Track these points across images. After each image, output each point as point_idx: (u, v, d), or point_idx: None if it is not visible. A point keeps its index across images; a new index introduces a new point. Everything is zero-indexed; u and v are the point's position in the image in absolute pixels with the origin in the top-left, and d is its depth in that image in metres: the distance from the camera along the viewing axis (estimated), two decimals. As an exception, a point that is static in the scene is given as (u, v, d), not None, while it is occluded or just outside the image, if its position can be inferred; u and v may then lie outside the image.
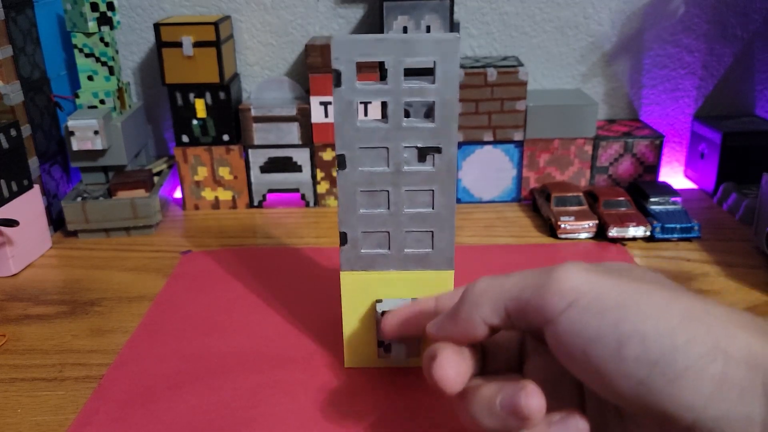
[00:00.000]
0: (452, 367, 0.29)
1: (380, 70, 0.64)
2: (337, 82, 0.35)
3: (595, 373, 0.25)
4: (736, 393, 0.22)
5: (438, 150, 0.36)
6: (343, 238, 0.38)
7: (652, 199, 0.61)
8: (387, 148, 0.37)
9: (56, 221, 0.64)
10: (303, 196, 0.69)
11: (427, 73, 0.36)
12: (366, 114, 0.63)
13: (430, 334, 0.31)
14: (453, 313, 0.30)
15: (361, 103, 0.36)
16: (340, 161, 0.37)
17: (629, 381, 0.23)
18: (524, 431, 0.27)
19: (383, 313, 0.38)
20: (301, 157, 0.67)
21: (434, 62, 0.35)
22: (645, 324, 0.23)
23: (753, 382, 0.22)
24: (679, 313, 0.24)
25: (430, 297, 0.35)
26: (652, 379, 0.23)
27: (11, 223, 0.54)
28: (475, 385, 0.29)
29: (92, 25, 0.63)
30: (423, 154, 0.37)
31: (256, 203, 0.69)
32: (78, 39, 0.64)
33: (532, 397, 0.26)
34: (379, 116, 0.65)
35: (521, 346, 0.32)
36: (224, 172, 0.68)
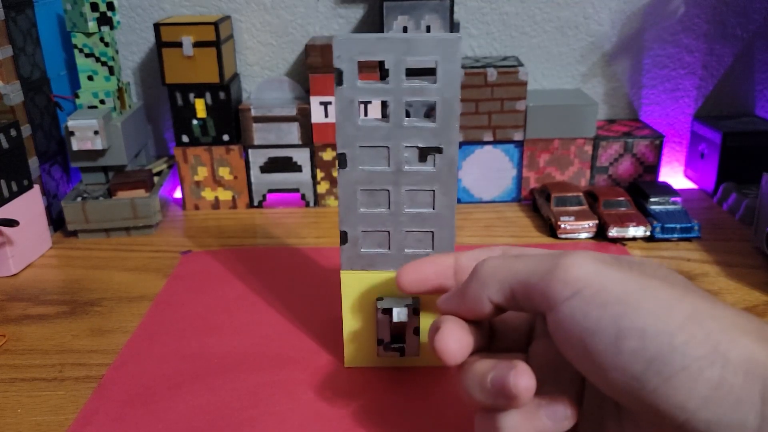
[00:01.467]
0: (454, 340, 0.29)
1: (380, 70, 0.64)
2: (339, 81, 0.35)
3: (591, 364, 0.25)
4: (732, 399, 0.22)
5: (439, 150, 0.36)
6: (343, 237, 0.38)
7: (652, 199, 0.61)
8: (388, 148, 0.37)
9: (56, 221, 0.64)
10: (303, 196, 0.69)
11: (427, 73, 0.36)
12: (366, 114, 0.63)
13: (440, 308, 0.32)
14: (462, 289, 0.30)
15: (361, 102, 0.36)
16: (341, 160, 0.37)
17: (624, 375, 0.24)
18: (512, 410, 0.27)
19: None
20: (301, 157, 0.67)
21: (436, 62, 0.35)
22: (645, 321, 0.23)
23: (750, 390, 0.22)
24: (681, 313, 0.23)
25: (450, 254, 0.35)
26: (647, 375, 0.23)
27: (11, 223, 0.54)
28: (472, 360, 0.29)
29: (92, 25, 0.63)
30: (424, 154, 0.37)
31: (256, 203, 0.69)
32: (78, 39, 0.64)
33: (522, 377, 0.26)
34: (379, 116, 0.65)
35: (530, 327, 0.32)
36: (224, 172, 0.68)
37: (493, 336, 0.32)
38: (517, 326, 0.32)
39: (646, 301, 0.24)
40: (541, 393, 0.28)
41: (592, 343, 0.24)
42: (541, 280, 0.26)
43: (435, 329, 0.30)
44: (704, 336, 0.23)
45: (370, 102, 0.64)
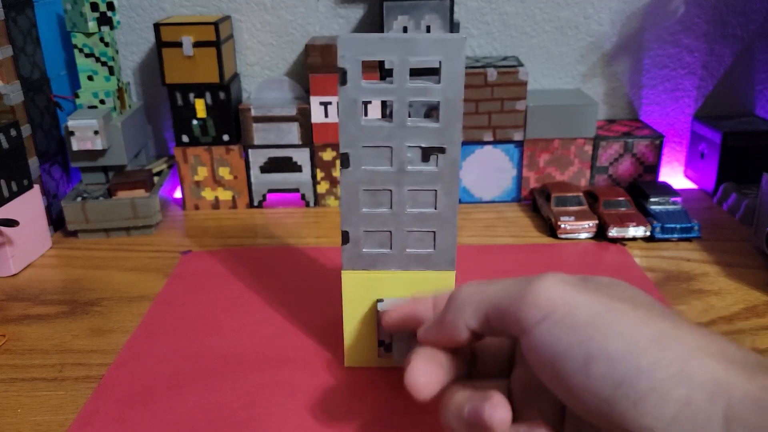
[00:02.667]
0: (423, 375, 0.30)
1: (380, 70, 0.64)
2: (343, 80, 0.35)
3: (564, 387, 0.25)
4: (700, 420, 0.22)
5: (442, 150, 0.36)
6: (345, 237, 0.38)
7: (652, 199, 0.61)
8: (390, 148, 0.37)
9: (56, 221, 0.64)
10: (303, 196, 0.69)
11: (429, 73, 0.36)
12: (366, 113, 0.63)
13: (420, 340, 0.32)
14: (439, 317, 0.31)
15: (363, 102, 0.36)
16: (344, 159, 0.37)
17: (595, 398, 0.24)
18: None
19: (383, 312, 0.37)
20: (301, 157, 0.67)
21: (440, 62, 0.35)
22: (612, 343, 0.24)
23: (714, 410, 0.22)
24: (647, 335, 0.24)
25: (428, 296, 0.35)
26: (616, 398, 0.23)
27: (11, 223, 0.54)
28: (451, 391, 0.30)
29: (92, 25, 0.63)
30: (426, 154, 0.37)
31: (256, 203, 0.69)
32: (78, 39, 0.64)
33: (496, 409, 0.26)
34: (379, 116, 0.65)
35: (511, 353, 0.32)
36: (224, 172, 0.68)
37: (475, 363, 0.33)
38: (498, 352, 0.33)
39: (612, 324, 0.24)
40: (522, 418, 0.28)
41: (563, 367, 0.25)
42: (512, 304, 0.27)
43: (407, 363, 0.30)
44: (670, 357, 0.23)
45: (370, 102, 0.64)
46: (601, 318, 0.24)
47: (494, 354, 0.32)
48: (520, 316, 0.26)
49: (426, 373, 0.30)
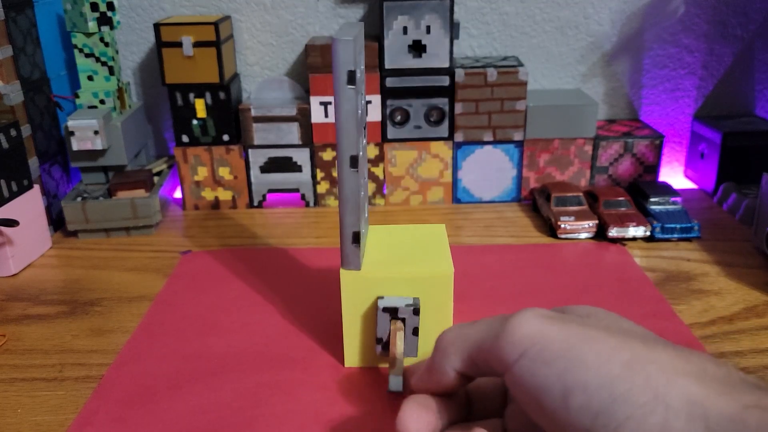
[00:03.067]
0: (414, 421, 0.30)
1: (380, 70, 0.64)
2: (351, 81, 0.35)
3: (548, 420, 0.25)
4: None
5: None
6: (355, 237, 0.38)
7: (652, 199, 0.61)
8: None
9: (56, 221, 0.64)
10: (303, 196, 0.69)
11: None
12: (366, 114, 0.63)
13: (413, 387, 0.32)
14: (427, 363, 0.31)
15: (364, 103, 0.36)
16: (353, 161, 0.37)
17: (576, 430, 0.24)
18: None
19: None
20: (301, 157, 0.67)
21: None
22: (587, 374, 0.24)
23: (694, 431, 0.22)
24: (620, 362, 0.24)
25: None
26: (596, 428, 0.23)
27: (11, 223, 0.54)
28: None
29: (92, 25, 0.63)
30: None
31: (256, 203, 0.69)
32: (78, 39, 0.64)
33: None
34: (378, 116, 0.65)
35: (504, 391, 0.33)
36: (224, 172, 0.68)
37: (473, 404, 0.33)
38: (491, 392, 0.33)
39: (586, 355, 0.24)
40: None
41: (544, 401, 0.25)
42: (492, 344, 0.27)
43: (400, 410, 0.31)
44: (644, 382, 0.23)
45: (370, 102, 0.64)
46: (574, 350, 0.25)
47: (488, 394, 0.33)
48: (500, 354, 0.27)
49: (417, 419, 0.30)
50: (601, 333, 0.25)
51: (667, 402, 0.22)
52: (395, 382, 0.37)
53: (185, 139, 0.67)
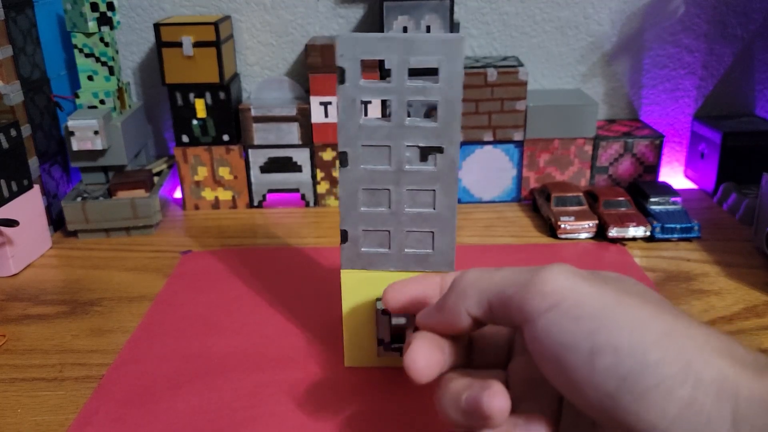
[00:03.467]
0: (422, 357, 0.29)
1: (380, 70, 0.64)
2: (342, 79, 0.35)
3: (566, 379, 0.25)
4: (703, 418, 0.22)
5: (440, 150, 0.36)
6: (344, 236, 0.38)
7: (652, 199, 0.61)
8: (389, 147, 0.37)
9: (56, 221, 0.64)
10: (303, 196, 0.69)
11: (428, 73, 0.36)
12: (366, 113, 0.63)
13: (419, 323, 0.31)
14: (440, 302, 0.30)
15: (362, 102, 0.36)
16: (342, 159, 0.37)
17: (597, 392, 0.23)
18: (487, 429, 0.27)
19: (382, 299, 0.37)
20: (301, 157, 0.67)
21: (439, 62, 0.35)
22: (619, 337, 0.23)
23: (721, 410, 0.22)
24: (656, 330, 0.23)
25: (437, 273, 0.34)
26: (620, 393, 0.23)
27: (11, 223, 0.54)
28: (448, 378, 0.29)
29: (92, 25, 0.63)
30: (425, 153, 0.37)
31: (256, 203, 0.69)
32: (78, 39, 0.64)
33: (495, 398, 0.26)
34: (379, 115, 0.65)
35: (510, 344, 0.32)
36: (224, 172, 0.68)
37: (473, 352, 0.32)
38: (497, 342, 0.32)
39: (621, 317, 0.24)
40: (519, 410, 0.28)
41: (567, 359, 0.24)
42: (518, 292, 0.26)
43: (406, 345, 0.30)
44: (677, 354, 0.23)
45: (370, 102, 0.64)
46: (609, 311, 0.24)
47: (492, 343, 0.32)
48: (526, 305, 0.26)
49: (425, 355, 0.29)
50: (636, 299, 0.25)
51: (699, 377, 0.22)
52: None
53: (185, 139, 0.67)
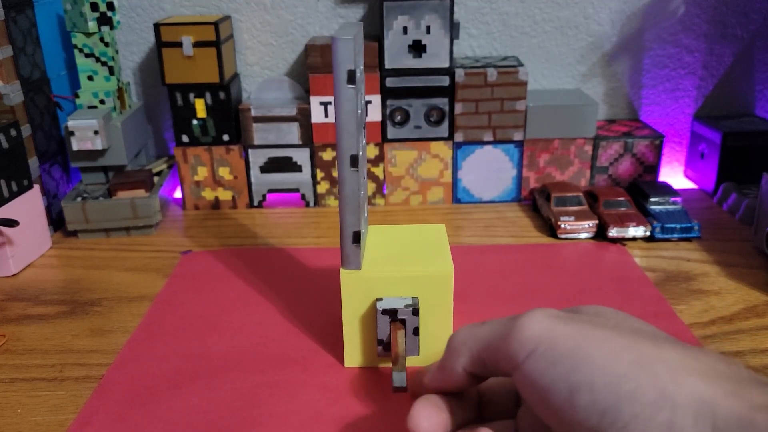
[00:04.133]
0: (425, 419, 0.30)
1: (380, 70, 0.64)
2: (351, 80, 0.35)
3: (555, 419, 0.25)
4: None
5: None
6: (356, 237, 0.38)
7: (652, 199, 0.61)
8: None
9: (56, 221, 0.64)
10: (303, 196, 0.69)
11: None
12: (366, 114, 0.63)
13: (425, 387, 0.32)
14: (439, 363, 0.31)
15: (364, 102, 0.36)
16: (353, 161, 0.37)
17: (583, 428, 0.24)
18: None
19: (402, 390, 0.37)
20: (301, 157, 0.67)
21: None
22: (593, 374, 0.24)
23: (701, 430, 0.22)
24: (627, 360, 0.24)
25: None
26: (603, 427, 0.23)
27: (11, 223, 0.54)
28: None
29: (92, 25, 0.63)
30: None
31: (256, 203, 0.69)
32: (78, 39, 0.64)
33: None
34: (378, 116, 0.65)
35: (516, 392, 0.33)
36: (224, 172, 0.68)
37: (485, 405, 0.33)
38: (502, 392, 0.33)
39: (594, 353, 0.25)
40: None
41: (550, 401, 0.25)
42: (501, 343, 0.27)
43: (411, 408, 0.31)
44: (651, 380, 0.23)
45: (370, 102, 0.64)
46: (582, 349, 0.25)
47: (499, 393, 0.33)
48: (509, 353, 0.27)
49: (428, 417, 0.30)
50: (609, 332, 0.26)
51: (674, 401, 0.22)
52: (399, 378, 0.37)
53: (185, 139, 0.67)
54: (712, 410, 0.22)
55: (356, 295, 0.40)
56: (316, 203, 0.69)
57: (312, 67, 0.64)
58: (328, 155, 0.67)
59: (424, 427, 0.30)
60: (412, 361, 0.41)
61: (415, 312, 0.39)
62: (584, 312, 0.29)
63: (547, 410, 0.25)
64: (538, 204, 0.65)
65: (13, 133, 0.56)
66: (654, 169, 0.68)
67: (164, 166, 0.71)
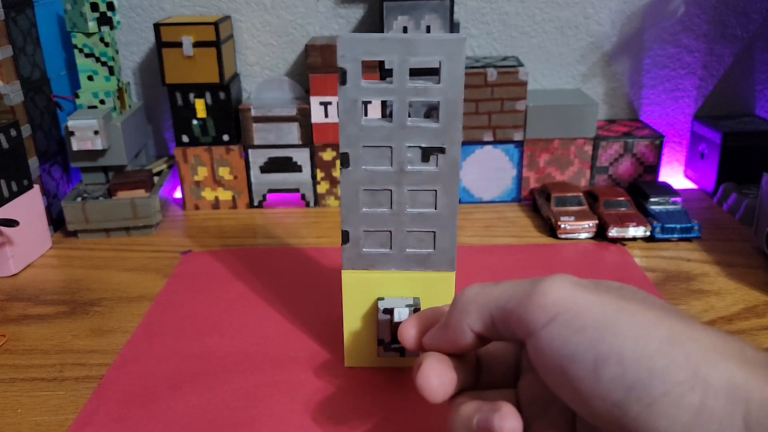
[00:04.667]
0: (436, 376, 0.29)
1: (380, 70, 0.64)
2: (343, 80, 0.35)
3: (572, 391, 0.24)
4: (715, 424, 0.21)
5: (441, 150, 0.36)
6: (345, 237, 0.38)
7: (652, 199, 0.61)
8: (390, 147, 0.37)
9: (56, 221, 0.64)
10: (303, 196, 0.69)
11: (429, 73, 0.36)
12: (366, 114, 0.63)
13: (425, 345, 0.31)
14: (444, 321, 0.30)
15: (362, 103, 0.36)
16: (344, 159, 0.37)
17: (605, 403, 0.23)
18: None
19: (398, 323, 0.37)
20: (301, 157, 0.67)
21: (440, 62, 0.35)
22: (623, 345, 0.23)
23: (732, 415, 0.21)
24: (660, 336, 0.23)
25: (446, 305, 0.34)
26: (628, 402, 0.22)
27: (11, 223, 0.54)
28: (459, 402, 0.29)
29: (92, 25, 0.63)
30: (426, 154, 0.37)
31: (256, 203, 0.69)
32: (78, 39, 0.64)
33: (506, 420, 0.26)
34: (379, 115, 0.65)
35: (518, 361, 0.32)
36: (224, 172, 0.68)
37: (481, 372, 0.32)
38: (504, 360, 0.32)
39: (623, 325, 0.23)
40: (532, 429, 0.27)
41: (572, 370, 0.24)
42: (518, 306, 0.26)
43: (417, 366, 0.29)
44: (684, 359, 0.22)
45: (370, 102, 0.64)
46: (611, 319, 0.24)
47: (500, 362, 0.32)
48: (527, 318, 0.25)
49: (439, 374, 0.29)
50: (637, 306, 0.24)
51: (707, 382, 0.22)
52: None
53: (185, 139, 0.67)
54: (745, 395, 0.21)
55: (357, 295, 0.40)
56: (316, 203, 0.69)
57: (312, 67, 0.64)
58: (328, 155, 0.67)
59: (435, 384, 0.28)
60: (412, 362, 0.41)
61: (417, 312, 0.39)
62: (607, 285, 0.27)
63: (565, 381, 0.24)
64: (538, 204, 0.65)
65: (13, 133, 0.56)
66: (654, 169, 0.68)
67: (164, 166, 0.71)
